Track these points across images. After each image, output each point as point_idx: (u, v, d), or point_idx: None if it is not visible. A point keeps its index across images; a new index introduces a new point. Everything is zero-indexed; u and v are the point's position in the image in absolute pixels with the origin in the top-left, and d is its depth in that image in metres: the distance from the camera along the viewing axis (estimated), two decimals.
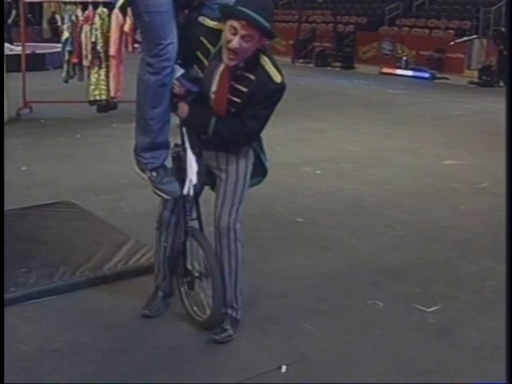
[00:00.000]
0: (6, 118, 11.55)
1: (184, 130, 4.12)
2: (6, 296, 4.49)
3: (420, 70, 20.79)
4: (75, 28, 11.54)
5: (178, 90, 3.99)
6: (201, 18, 3.95)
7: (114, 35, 11.21)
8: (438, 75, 20.40)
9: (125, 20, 11.34)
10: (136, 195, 6.98)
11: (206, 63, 3.93)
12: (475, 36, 21.89)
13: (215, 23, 3.90)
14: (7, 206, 6.11)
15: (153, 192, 4.21)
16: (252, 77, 3.87)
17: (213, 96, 3.96)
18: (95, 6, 11.49)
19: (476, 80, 19.02)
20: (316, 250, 5.80)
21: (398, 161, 9.14)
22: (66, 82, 11.84)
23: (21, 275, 4.82)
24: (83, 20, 11.48)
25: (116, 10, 11.28)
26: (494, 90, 17.64)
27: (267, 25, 3.75)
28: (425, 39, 23.54)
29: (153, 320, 4.39)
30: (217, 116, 3.95)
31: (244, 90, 3.89)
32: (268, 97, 3.92)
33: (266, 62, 3.89)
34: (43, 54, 19.36)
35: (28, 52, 12.93)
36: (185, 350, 4.06)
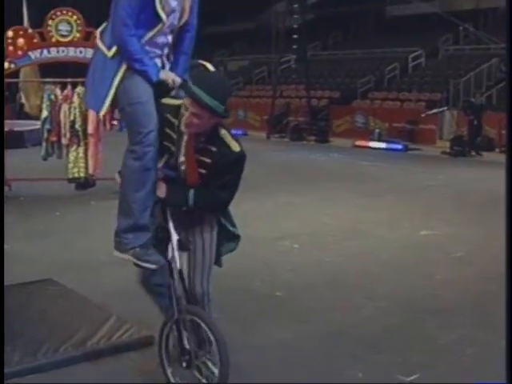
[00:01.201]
0: None
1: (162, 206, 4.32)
2: None
3: (393, 142, 21.17)
4: (54, 107, 11.71)
5: (158, 174, 4.26)
6: (163, 100, 4.25)
7: (92, 114, 11.37)
8: (411, 146, 20.77)
9: None
10: (116, 272, 6.97)
11: (175, 137, 4.22)
12: (446, 108, 22.37)
13: (176, 101, 4.21)
14: None
15: (137, 266, 4.29)
16: (214, 148, 4.17)
17: (183, 167, 4.23)
18: (74, 85, 11.70)
19: (448, 150, 19.37)
20: (295, 324, 5.83)
21: (375, 232, 9.26)
22: (45, 159, 11.95)
23: (5, 353, 4.82)
24: (62, 99, 11.67)
25: None
26: (466, 160, 17.99)
27: (213, 104, 4.00)
28: (397, 111, 24.01)
29: None
30: (193, 188, 4.20)
31: (208, 161, 4.18)
32: (231, 166, 4.19)
33: (225, 134, 4.19)
34: (21, 132, 19.47)
35: (6, 129, 13.02)
36: None
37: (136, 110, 4.19)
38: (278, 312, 6.15)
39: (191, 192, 4.20)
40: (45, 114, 11.82)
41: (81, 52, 11.99)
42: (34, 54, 12.17)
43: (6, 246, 8.21)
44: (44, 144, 11.92)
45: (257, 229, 9.17)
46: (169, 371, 4.40)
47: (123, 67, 4.23)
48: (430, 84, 25.79)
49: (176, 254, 4.29)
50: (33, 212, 10.67)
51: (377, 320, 5.96)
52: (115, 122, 12.36)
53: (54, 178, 11.90)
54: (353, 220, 10.01)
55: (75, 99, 11.53)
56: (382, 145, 21.26)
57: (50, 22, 11.91)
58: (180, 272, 4.33)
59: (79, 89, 11.58)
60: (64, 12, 12.04)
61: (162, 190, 4.25)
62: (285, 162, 17.28)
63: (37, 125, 20.01)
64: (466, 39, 28.22)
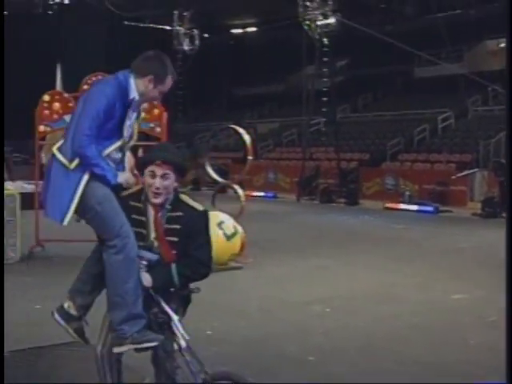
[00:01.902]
0: (18, 255, 11.81)
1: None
2: None
3: (424, 204, 21.15)
4: None
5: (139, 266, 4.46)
6: (123, 193, 4.56)
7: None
8: (442, 208, 20.72)
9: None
10: None
11: (144, 219, 4.52)
12: (476, 169, 22.36)
13: (135, 188, 4.59)
14: (23, 345, 6.25)
15: (138, 351, 4.46)
16: (180, 213, 4.50)
17: (156, 243, 4.48)
18: None
19: (479, 212, 19.32)
20: None
21: (407, 296, 9.26)
22: (78, 221, 12.04)
23: None
24: None
25: (128, 153, 11.69)
26: (497, 221, 17.89)
27: (178, 160, 4.53)
28: (427, 173, 24.05)
29: None
30: (172, 262, 4.44)
31: (177, 227, 4.48)
32: (200, 225, 4.53)
33: (185, 198, 4.60)
34: None
35: (40, 190, 13.22)
36: None
37: (106, 207, 4.47)
38: (311, 377, 6.16)
39: (173, 267, 4.44)
40: None
41: None
42: (69, 118, 12.42)
43: (37, 306, 8.38)
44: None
45: (290, 292, 9.25)
46: None
47: (86, 176, 4.47)
48: (459, 145, 25.87)
49: (183, 331, 4.43)
50: (65, 272, 10.70)
51: None
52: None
53: (86, 240, 11.98)
54: (384, 284, 10.01)
55: None
56: (413, 207, 21.24)
57: (85, 86, 12.19)
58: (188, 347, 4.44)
59: None
60: (99, 76, 12.32)
61: (147, 280, 4.44)
62: (316, 225, 17.35)
63: None
64: (495, 99, 28.35)
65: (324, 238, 14.91)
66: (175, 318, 4.46)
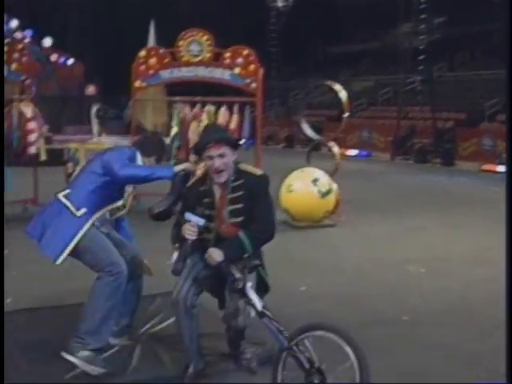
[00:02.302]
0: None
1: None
2: None
3: None
4: (183, 124, 12.04)
5: (191, 232, 4.69)
6: (189, 184, 5.09)
7: None
8: None
9: (231, 118, 11.79)
10: None
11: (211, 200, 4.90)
12: None
13: (199, 175, 5.05)
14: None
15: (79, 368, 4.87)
16: (241, 181, 4.87)
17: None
18: (203, 103, 12.00)
19: None
20: (421, 350, 5.79)
21: (503, 260, 9.06)
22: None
23: None
24: (191, 117, 11.99)
25: (223, 108, 11.77)
26: None
27: (228, 136, 5.01)
28: None
29: None
30: (241, 232, 4.74)
31: (240, 193, 4.86)
32: (261, 188, 4.91)
33: (244, 166, 4.99)
34: None
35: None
36: None
37: (101, 243, 5.15)
38: (405, 337, 6.13)
39: (241, 234, 4.75)
40: (174, 130, 12.18)
41: (210, 72, 12.33)
42: (164, 74, 12.58)
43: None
44: (173, 160, 12.25)
45: (384, 252, 9.20)
46: None
47: (89, 222, 5.11)
48: None
49: (255, 296, 4.58)
50: (158, 226, 10.91)
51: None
52: (242, 141, 12.56)
53: None
54: (481, 246, 9.83)
55: (204, 117, 11.83)
56: None
57: (181, 42, 12.28)
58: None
59: (208, 108, 11.90)
60: (195, 32, 12.39)
61: (218, 254, 4.64)
62: (410, 185, 17.14)
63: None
64: None
65: (419, 198, 14.72)
66: (249, 284, 4.60)
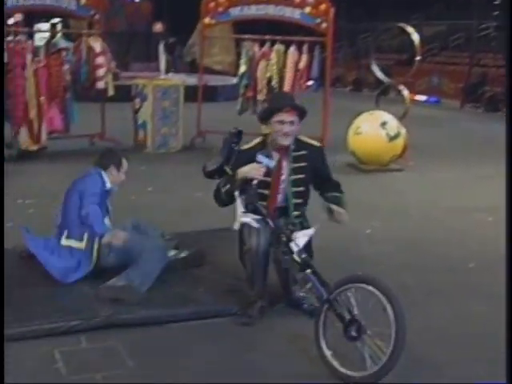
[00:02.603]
0: (180, 145, 12.17)
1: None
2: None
3: None
4: (252, 63, 11.98)
5: (259, 172, 4.81)
6: (244, 147, 5.25)
7: (289, 72, 11.60)
8: None
9: (300, 58, 11.68)
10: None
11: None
12: None
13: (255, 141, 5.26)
14: (183, 229, 6.54)
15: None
16: (303, 152, 5.10)
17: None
18: (272, 42, 11.91)
19: None
20: (485, 299, 5.73)
21: None
22: (240, 114, 12.28)
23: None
24: (260, 55, 11.91)
25: (292, 48, 11.67)
26: None
27: (302, 105, 5.12)
28: None
29: None
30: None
31: (303, 164, 5.10)
32: (322, 158, 5.27)
33: (303, 137, 5.21)
34: (215, 87, 20.05)
35: (202, 84, 13.45)
36: None
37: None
38: (471, 283, 6.08)
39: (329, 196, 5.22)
40: (243, 69, 12.13)
41: (280, 10, 12.20)
42: (234, 11, 12.49)
43: (198, 194, 8.64)
44: (240, 99, 12.25)
45: (451, 198, 9.11)
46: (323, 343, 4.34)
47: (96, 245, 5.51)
48: None
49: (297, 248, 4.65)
50: None
51: None
52: (310, 83, 12.47)
53: (247, 133, 12.16)
54: None
55: (273, 56, 11.75)
56: None
57: None
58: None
59: (277, 46, 11.81)
60: None
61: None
62: (480, 133, 16.82)
63: (228, 80, 20.68)
64: None
65: (488, 147, 14.41)
66: (297, 235, 4.74)
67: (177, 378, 4.10)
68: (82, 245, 5.51)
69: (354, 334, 4.16)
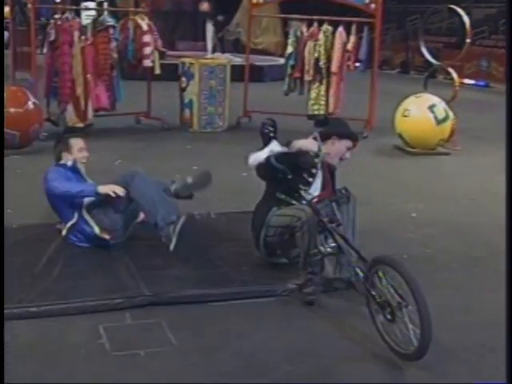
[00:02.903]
0: (226, 124, 12.16)
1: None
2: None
3: None
4: (299, 43, 11.91)
5: (315, 146, 5.42)
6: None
7: (336, 52, 11.51)
8: None
9: (348, 38, 11.58)
10: None
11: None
12: None
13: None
14: (226, 209, 6.63)
15: None
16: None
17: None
18: (320, 22, 11.82)
19: None
20: None
21: None
22: (287, 94, 12.24)
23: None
24: (308, 36, 11.83)
25: (340, 29, 11.57)
26: None
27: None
28: None
29: None
30: None
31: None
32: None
33: None
34: (261, 67, 20.00)
35: (249, 63, 13.41)
36: None
37: None
38: None
39: None
40: (290, 49, 12.06)
41: None
42: None
43: (243, 174, 8.63)
44: (287, 79, 12.18)
45: (498, 184, 8.90)
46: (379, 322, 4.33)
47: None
48: None
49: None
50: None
51: None
52: (358, 64, 12.37)
53: (293, 114, 12.16)
54: None
55: (321, 37, 11.66)
56: None
57: None
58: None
59: (325, 27, 11.71)
60: None
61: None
62: None
63: (274, 61, 20.61)
64: None
65: None
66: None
67: (220, 357, 4.10)
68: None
69: (388, 316, 4.18)
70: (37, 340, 4.22)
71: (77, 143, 6.02)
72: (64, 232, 5.71)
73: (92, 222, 5.63)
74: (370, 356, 4.20)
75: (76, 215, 5.66)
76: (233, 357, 4.09)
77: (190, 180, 5.88)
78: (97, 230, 5.61)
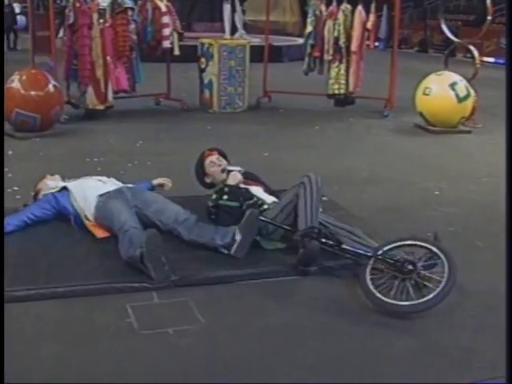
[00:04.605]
0: (245, 105, 12.14)
1: None
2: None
3: None
4: (318, 23, 11.85)
5: None
6: None
7: (356, 31, 11.44)
8: None
9: (368, 17, 11.51)
10: (375, 190, 7.19)
11: None
12: None
13: None
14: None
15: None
16: None
17: None
18: (339, 1, 11.74)
19: None
20: None
21: None
22: (306, 74, 12.20)
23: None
24: (327, 15, 11.77)
25: (359, 7, 11.49)
26: None
27: None
28: None
29: None
30: None
31: None
32: None
33: None
34: (280, 47, 19.92)
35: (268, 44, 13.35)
36: None
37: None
38: None
39: None
40: (309, 29, 12.00)
41: None
42: None
43: (265, 154, 8.63)
44: (306, 59, 12.13)
45: None
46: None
47: None
48: None
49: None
50: (291, 124, 10.98)
51: None
52: (377, 43, 12.32)
53: (313, 93, 12.13)
54: None
55: (340, 16, 11.59)
56: None
57: None
58: None
59: (344, 6, 11.64)
60: None
61: None
62: None
63: (293, 41, 20.52)
64: None
65: None
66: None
67: (247, 335, 4.10)
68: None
69: (410, 267, 4.44)
70: (63, 320, 4.21)
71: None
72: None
73: None
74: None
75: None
76: (260, 335, 4.09)
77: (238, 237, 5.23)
78: None
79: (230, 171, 5.63)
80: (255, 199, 5.39)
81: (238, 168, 5.68)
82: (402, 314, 4.29)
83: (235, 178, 5.54)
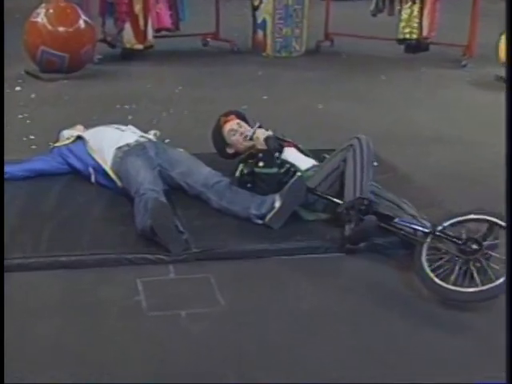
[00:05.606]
0: (303, 48, 11.87)
1: None
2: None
3: None
4: None
5: None
6: None
7: None
8: None
9: None
10: (443, 152, 6.92)
11: None
12: None
13: None
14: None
15: None
16: None
17: None
18: None
19: None
20: None
21: None
22: (374, 15, 11.90)
23: None
24: None
25: None
26: None
27: None
28: None
29: None
30: None
31: None
32: None
33: None
34: None
35: None
36: None
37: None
38: None
39: None
40: None
41: None
42: None
43: (319, 106, 8.38)
44: None
45: None
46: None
47: None
48: None
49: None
50: (354, 71, 10.71)
51: None
52: None
53: (381, 38, 11.80)
54: None
55: None
56: None
57: None
58: None
59: None
60: None
61: None
62: None
63: None
64: None
65: None
66: None
67: (272, 320, 3.88)
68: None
69: (474, 246, 4.26)
70: (62, 294, 4.07)
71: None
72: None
73: None
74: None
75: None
76: (289, 322, 3.86)
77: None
78: None
79: (252, 136, 5.29)
80: (288, 166, 5.16)
81: (263, 130, 5.33)
82: (463, 303, 4.07)
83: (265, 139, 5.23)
